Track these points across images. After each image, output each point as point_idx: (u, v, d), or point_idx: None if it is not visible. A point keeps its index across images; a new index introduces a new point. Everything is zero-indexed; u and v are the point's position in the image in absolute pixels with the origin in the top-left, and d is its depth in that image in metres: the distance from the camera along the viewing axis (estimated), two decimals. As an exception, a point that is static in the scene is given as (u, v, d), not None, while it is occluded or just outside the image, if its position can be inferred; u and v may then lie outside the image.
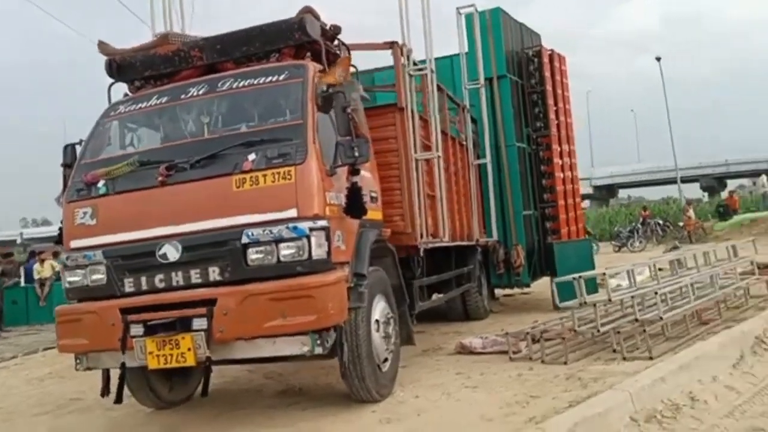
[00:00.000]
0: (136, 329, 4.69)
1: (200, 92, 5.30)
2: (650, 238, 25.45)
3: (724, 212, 25.45)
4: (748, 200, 32.85)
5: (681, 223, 25.24)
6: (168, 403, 5.87)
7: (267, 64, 5.37)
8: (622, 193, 65.82)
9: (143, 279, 4.82)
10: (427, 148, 7.15)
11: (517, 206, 10.05)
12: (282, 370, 7.05)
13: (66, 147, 5.57)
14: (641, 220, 26.93)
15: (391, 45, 6.43)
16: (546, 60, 10.62)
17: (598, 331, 5.92)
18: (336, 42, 5.93)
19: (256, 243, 4.59)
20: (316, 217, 4.63)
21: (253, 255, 4.60)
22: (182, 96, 5.36)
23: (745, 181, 58.07)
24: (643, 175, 59.11)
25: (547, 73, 10.58)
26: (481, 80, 9.61)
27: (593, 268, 9.72)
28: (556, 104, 10.83)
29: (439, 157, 6.76)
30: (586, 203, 59.32)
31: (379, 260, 5.92)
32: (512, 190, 10.05)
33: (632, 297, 6.17)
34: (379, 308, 5.44)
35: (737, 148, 52.53)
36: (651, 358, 5.64)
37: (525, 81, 10.68)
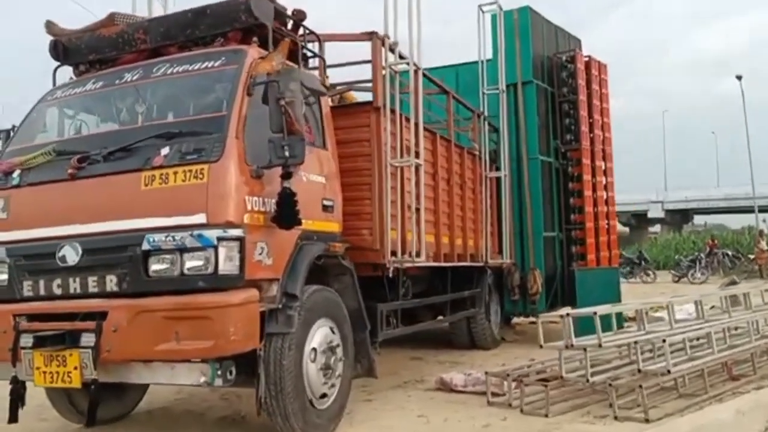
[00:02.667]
0: (26, 339, 4.12)
1: (134, 78, 4.74)
2: (716, 270, 23.54)
3: (800, 246, 23.20)
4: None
5: (752, 256, 23.18)
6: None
7: (210, 48, 4.74)
8: (699, 219, 62.43)
9: (41, 283, 4.26)
10: (417, 155, 6.38)
11: (536, 226, 9.07)
12: (242, 391, 6.39)
13: None
14: (707, 250, 25.00)
15: (369, 36, 5.70)
16: (581, 66, 9.61)
17: (587, 380, 4.96)
18: (302, 30, 5.27)
19: (158, 251, 3.94)
20: (228, 225, 3.95)
21: (154, 265, 3.96)
22: (116, 82, 4.82)
23: None
24: (720, 201, 55.81)
25: (582, 81, 9.56)
26: (501, 85, 8.72)
27: (619, 300, 8.64)
28: (590, 116, 9.78)
29: (418, 165, 5.94)
30: (656, 228, 56.83)
31: (335, 279, 5.20)
32: (532, 208, 9.08)
33: (636, 343, 5.16)
34: (320, 335, 4.69)
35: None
36: (647, 421, 4.66)
37: (556, 89, 9.70)
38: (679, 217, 57.98)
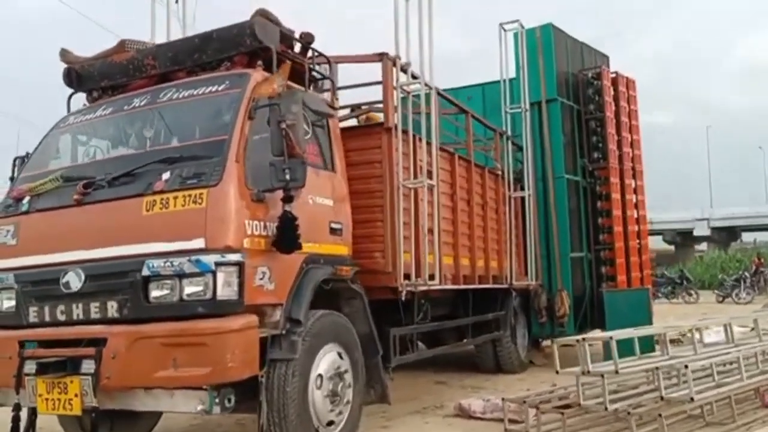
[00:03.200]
0: (30, 366, 4.13)
1: (142, 104, 4.78)
2: (763, 290, 22.64)
3: None
4: None
5: (800, 275, 22.26)
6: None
7: (216, 72, 4.76)
8: (748, 237, 60.40)
9: (46, 309, 4.28)
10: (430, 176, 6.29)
11: (563, 247, 8.84)
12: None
13: (15, 159, 5.21)
14: (753, 268, 24.08)
15: (380, 57, 5.65)
16: (607, 83, 9.38)
17: (606, 408, 4.73)
18: (310, 53, 5.25)
19: (157, 277, 3.92)
20: (226, 250, 3.91)
21: (154, 291, 3.93)
22: (125, 108, 4.87)
23: None
24: (768, 218, 53.97)
25: (608, 98, 9.33)
26: (524, 104, 8.57)
27: (650, 322, 8.30)
28: (619, 133, 9.52)
29: (432, 185, 5.83)
30: (703, 246, 55.14)
31: (346, 302, 5.11)
32: (559, 229, 8.85)
33: (656, 368, 4.91)
34: (327, 360, 4.59)
35: None
36: (669, 451, 4.40)
37: (582, 106, 9.50)
38: (726, 234, 56.14)
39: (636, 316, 8.19)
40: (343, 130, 5.63)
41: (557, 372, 4.99)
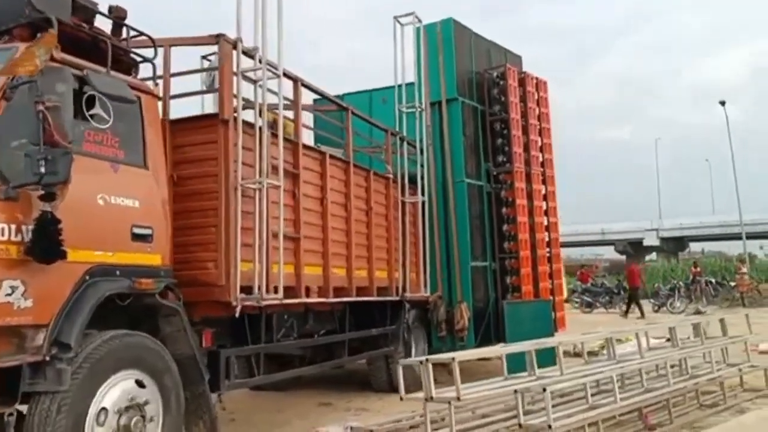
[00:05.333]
0: None
1: None
2: (699, 299, 22.54)
3: (786, 273, 22.27)
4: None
5: (733, 283, 22.22)
6: None
7: (-4, 47, 4.00)
8: (697, 247, 61.54)
9: None
10: (293, 176, 5.64)
11: (463, 255, 8.26)
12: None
13: None
14: (691, 277, 24.03)
15: (216, 38, 4.97)
16: (513, 82, 8.88)
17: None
18: (125, 31, 4.54)
19: None
20: None
21: None
22: None
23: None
24: (715, 228, 54.97)
25: (513, 98, 8.83)
26: (418, 102, 7.99)
27: (552, 334, 7.78)
28: (527, 135, 9.04)
29: (276, 186, 5.14)
30: (653, 255, 55.87)
31: (165, 320, 4.39)
32: (459, 236, 8.28)
33: (516, 392, 4.30)
34: (118, 390, 3.85)
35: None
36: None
37: (487, 107, 8.98)
38: (675, 244, 57.15)
39: (538, 328, 7.68)
40: (174, 122, 4.94)
41: (401, 398, 4.36)
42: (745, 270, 22.08)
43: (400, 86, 8.13)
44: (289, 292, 5.44)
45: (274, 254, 5.19)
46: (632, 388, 5.15)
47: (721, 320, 6.88)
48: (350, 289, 6.50)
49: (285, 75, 5.62)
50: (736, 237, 48.28)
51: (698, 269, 24.96)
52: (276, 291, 5.02)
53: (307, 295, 5.68)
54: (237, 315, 4.82)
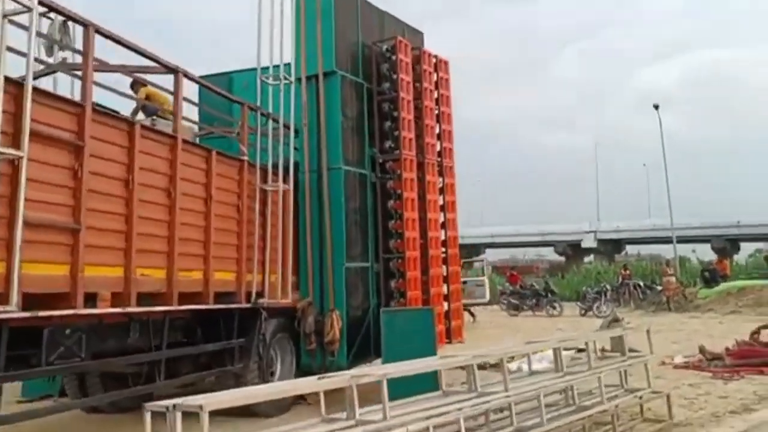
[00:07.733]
0: None
1: None
2: (627, 302, 22.08)
3: (710, 278, 21.93)
4: (751, 265, 29.31)
5: (660, 287, 21.80)
6: None
7: None
8: (634, 250, 62.31)
9: None
10: (74, 148, 4.33)
11: (337, 255, 7.08)
12: None
13: None
14: (620, 280, 23.59)
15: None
16: (404, 57, 7.73)
17: None
18: None
19: None
20: None
21: None
22: None
23: (763, 245, 54.41)
24: (650, 231, 55.80)
25: (405, 75, 7.69)
26: (283, 74, 6.76)
27: (433, 350, 6.65)
28: (420, 119, 7.92)
29: (19, 157, 3.83)
30: (591, 257, 56.28)
31: None
32: (333, 232, 7.10)
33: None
34: None
35: (760, 211, 49.34)
36: None
37: (375, 85, 7.81)
38: (612, 246, 57.77)
39: (418, 342, 6.56)
40: None
41: None
42: (671, 273, 21.68)
43: (268, 67, 6.84)
44: (58, 299, 4.15)
45: (29, 249, 3.89)
46: (502, 426, 4.06)
47: (620, 337, 5.90)
48: (168, 296, 5.22)
49: (70, 18, 4.31)
50: (669, 240, 49.07)
51: (628, 272, 24.60)
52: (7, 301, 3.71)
53: (89, 304, 4.38)
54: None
